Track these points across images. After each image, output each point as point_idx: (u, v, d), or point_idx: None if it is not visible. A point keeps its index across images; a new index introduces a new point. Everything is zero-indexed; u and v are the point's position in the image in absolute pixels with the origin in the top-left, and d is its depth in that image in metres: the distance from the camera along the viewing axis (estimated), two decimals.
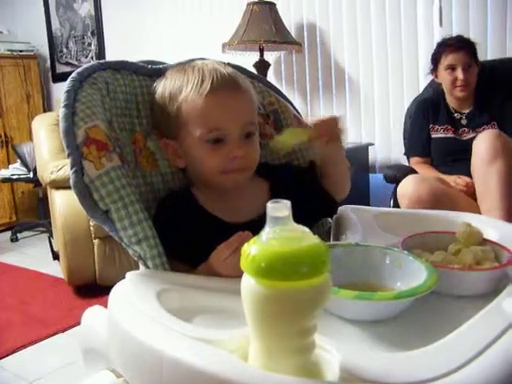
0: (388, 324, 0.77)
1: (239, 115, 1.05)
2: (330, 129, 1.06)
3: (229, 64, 1.17)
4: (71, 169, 0.95)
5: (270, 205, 0.56)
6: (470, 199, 2.18)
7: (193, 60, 1.17)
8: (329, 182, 1.17)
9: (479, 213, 2.01)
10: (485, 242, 0.97)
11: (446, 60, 2.48)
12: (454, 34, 2.82)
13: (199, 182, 1.12)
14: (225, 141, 1.04)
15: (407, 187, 2.14)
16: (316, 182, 1.17)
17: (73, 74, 1.05)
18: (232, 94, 1.05)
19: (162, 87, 1.10)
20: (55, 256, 3.38)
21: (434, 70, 2.58)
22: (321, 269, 0.55)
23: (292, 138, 1.09)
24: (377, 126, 3.27)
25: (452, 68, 2.46)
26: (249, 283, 0.56)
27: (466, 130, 2.49)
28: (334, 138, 1.07)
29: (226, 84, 1.04)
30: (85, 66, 1.08)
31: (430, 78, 2.70)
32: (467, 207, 2.05)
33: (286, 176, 1.16)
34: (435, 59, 2.55)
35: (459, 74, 2.43)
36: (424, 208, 1.94)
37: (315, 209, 1.12)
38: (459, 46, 2.45)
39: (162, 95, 1.09)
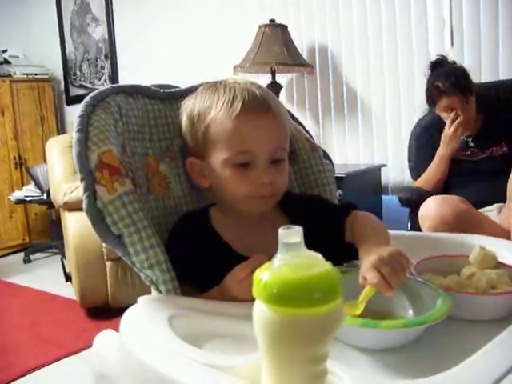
0: (400, 350, 0.76)
1: (269, 140, 1.01)
2: (395, 278, 0.82)
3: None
4: (84, 193, 0.95)
5: (281, 231, 0.56)
6: (492, 221, 2.13)
7: (225, 79, 1.09)
8: None
9: (505, 232, 1.95)
10: (499, 265, 0.96)
11: (443, 102, 2.43)
12: (466, 55, 2.83)
13: (222, 203, 1.09)
14: (252, 165, 0.99)
15: (430, 208, 2.08)
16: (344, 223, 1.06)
17: (86, 99, 1.05)
18: (263, 116, 1.00)
19: (192, 104, 1.07)
20: (68, 278, 3.39)
21: (433, 107, 2.54)
22: (333, 295, 0.55)
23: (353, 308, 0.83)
24: (389, 148, 3.26)
25: (451, 108, 2.42)
26: (261, 309, 0.56)
27: (476, 150, 2.46)
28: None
29: (257, 106, 0.99)
30: (98, 90, 1.09)
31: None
32: (492, 227, 2.01)
33: (311, 214, 1.06)
34: (431, 100, 2.50)
35: (459, 114, 2.39)
36: (448, 229, 1.89)
37: (341, 250, 1.01)
38: (451, 91, 2.39)
39: (191, 113, 1.06)
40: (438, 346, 0.78)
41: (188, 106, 1.08)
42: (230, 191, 1.02)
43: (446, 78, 2.41)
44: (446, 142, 2.45)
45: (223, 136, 0.99)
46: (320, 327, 0.55)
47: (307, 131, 1.36)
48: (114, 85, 1.15)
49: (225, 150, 0.99)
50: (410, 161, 2.75)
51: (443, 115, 2.47)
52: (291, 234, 0.56)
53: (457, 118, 2.41)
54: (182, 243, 1.02)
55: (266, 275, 0.55)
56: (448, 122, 2.44)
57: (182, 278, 0.98)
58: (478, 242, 1.07)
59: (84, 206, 0.95)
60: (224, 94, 1.01)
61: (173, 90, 1.23)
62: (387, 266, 0.82)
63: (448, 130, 2.44)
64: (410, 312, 0.85)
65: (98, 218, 0.94)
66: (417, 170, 2.64)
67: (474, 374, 0.63)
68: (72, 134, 1.01)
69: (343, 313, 0.57)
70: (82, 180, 0.96)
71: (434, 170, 2.49)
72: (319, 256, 0.57)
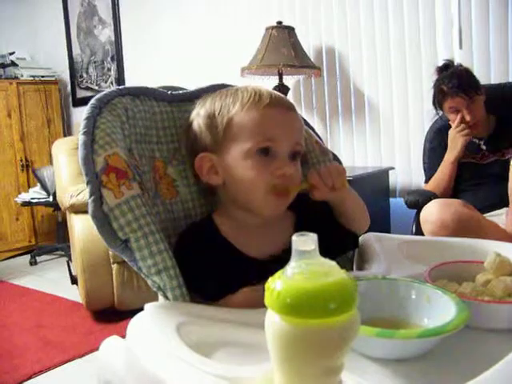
0: (413, 361, 0.74)
1: (293, 133, 1.05)
2: (330, 178, 1.02)
3: None
4: (90, 197, 0.93)
5: (295, 238, 0.54)
6: (496, 225, 2.11)
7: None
8: (343, 220, 1.12)
9: (507, 238, 1.93)
10: None
11: (447, 104, 2.44)
12: (475, 57, 2.81)
13: (232, 203, 1.07)
14: (274, 155, 1.01)
15: (431, 212, 2.05)
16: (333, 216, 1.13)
17: (92, 101, 1.03)
18: (288, 112, 1.05)
19: (210, 102, 1.08)
20: (74, 280, 3.38)
21: (440, 110, 2.54)
22: (349, 305, 0.52)
23: None
24: (397, 150, 3.24)
25: (456, 109, 2.42)
26: (273, 320, 0.53)
27: (486, 153, 2.45)
28: (337, 187, 1.03)
29: (282, 102, 1.05)
30: (104, 92, 1.07)
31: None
32: (494, 232, 1.98)
33: (313, 209, 1.09)
34: (438, 102, 2.50)
35: (465, 115, 2.39)
36: (448, 233, 1.88)
37: (339, 243, 1.06)
38: (455, 91, 2.38)
39: (211, 107, 1.07)
40: (452, 356, 0.75)
41: (205, 104, 1.09)
42: (249, 185, 1.01)
43: (449, 80, 2.42)
44: (451, 146, 2.44)
45: (250, 125, 1.01)
46: (336, 338, 0.53)
47: (317, 134, 1.34)
48: (121, 87, 1.12)
49: (249, 139, 1.01)
50: (424, 162, 2.76)
51: (450, 117, 2.46)
52: (306, 242, 0.54)
53: (461, 123, 2.39)
54: (193, 258, 0.99)
55: (278, 284, 0.53)
56: (453, 126, 2.43)
57: (190, 289, 0.95)
58: (494, 247, 1.04)
59: (90, 210, 0.93)
60: (248, 92, 1.05)
61: (180, 91, 1.21)
62: (325, 169, 1.03)
63: (452, 134, 2.43)
64: (425, 320, 0.82)
65: (104, 223, 0.92)
66: (429, 171, 2.64)
67: None
68: (78, 137, 0.99)
69: (359, 323, 0.55)
70: (87, 184, 0.94)
71: (442, 174, 2.49)
72: (333, 263, 0.55)
